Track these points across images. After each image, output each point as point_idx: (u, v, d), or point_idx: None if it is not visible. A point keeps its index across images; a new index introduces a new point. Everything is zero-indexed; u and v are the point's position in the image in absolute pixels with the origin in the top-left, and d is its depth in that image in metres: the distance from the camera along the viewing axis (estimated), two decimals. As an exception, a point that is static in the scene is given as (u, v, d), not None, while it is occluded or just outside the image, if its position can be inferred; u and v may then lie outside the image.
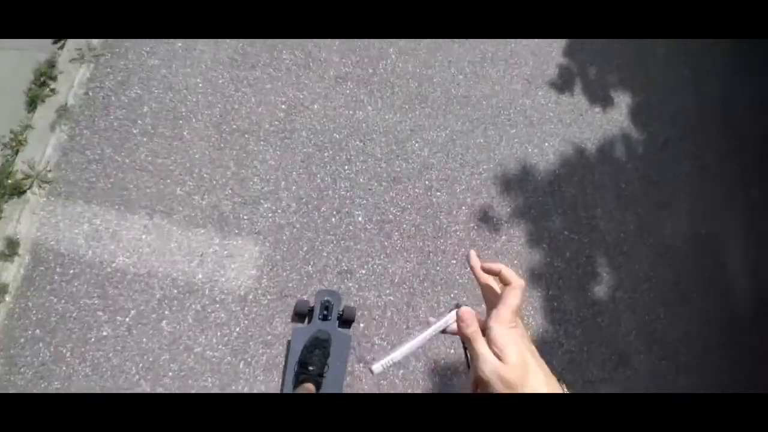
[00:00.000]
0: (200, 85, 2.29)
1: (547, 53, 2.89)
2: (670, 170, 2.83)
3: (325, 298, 1.92)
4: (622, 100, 2.92)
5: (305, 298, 2.03)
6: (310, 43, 2.52)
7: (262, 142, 2.26)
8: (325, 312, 1.89)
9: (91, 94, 2.20)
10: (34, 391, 1.78)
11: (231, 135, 2.24)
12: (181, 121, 2.21)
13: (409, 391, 1.99)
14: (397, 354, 0.53)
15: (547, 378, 0.49)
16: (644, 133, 2.89)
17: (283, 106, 2.35)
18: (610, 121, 2.84)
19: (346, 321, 1.96)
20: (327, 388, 1.76)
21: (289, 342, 1.92)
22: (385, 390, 1.98)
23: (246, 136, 2.25)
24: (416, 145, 2.45)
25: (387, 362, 0.53)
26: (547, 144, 2.66)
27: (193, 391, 1.84)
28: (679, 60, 3.18)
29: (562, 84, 2.84)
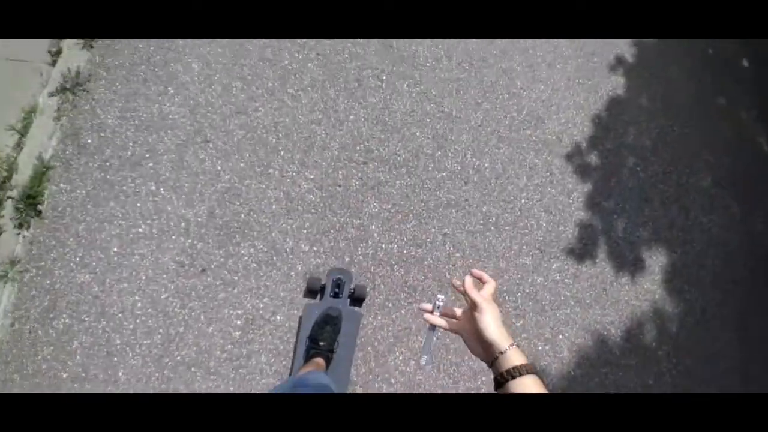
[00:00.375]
0: (139, 304, 1.92)
1: (564, 207, 2.41)
2: (706, 350, 2.37)
3: (337, 276, 1.95)
4: (655, 262, 2.43)
5: (317, 275, 2.01)
6: (275, 230, 2.10)
7: (212, 377, 1.89)
8: (337, 289, 1.92)
9: (17, 326, 1.86)
10: None
11: (174, 370, 1.88)
12: (115, 358, 1.86)
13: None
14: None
15: (499, 330, 0.78)
16: (680, 304, 2.41)
17: (238, 322, 1.97)
18: (640, 294, 2.37)
19: (357, 299, 1.99)
20: (337, 363, 1.79)
21: (300, 318, 1.93)
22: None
23: (193, 369, 1.89)
24: (400, 358, 2.05)
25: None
26: (561, 337, 2.22)
27: None
28: (724, 193, 2.65)
29: (582, 249, 2.36)
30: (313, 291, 1.98)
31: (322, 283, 1.97)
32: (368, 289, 2.05)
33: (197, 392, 1.85)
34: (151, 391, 1.85)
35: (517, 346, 0.76)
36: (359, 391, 1.98)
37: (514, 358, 0.74)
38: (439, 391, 2.03)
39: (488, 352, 0.78)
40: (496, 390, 0.75)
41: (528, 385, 0.71)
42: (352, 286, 1.98)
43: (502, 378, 0.73)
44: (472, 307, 0.82)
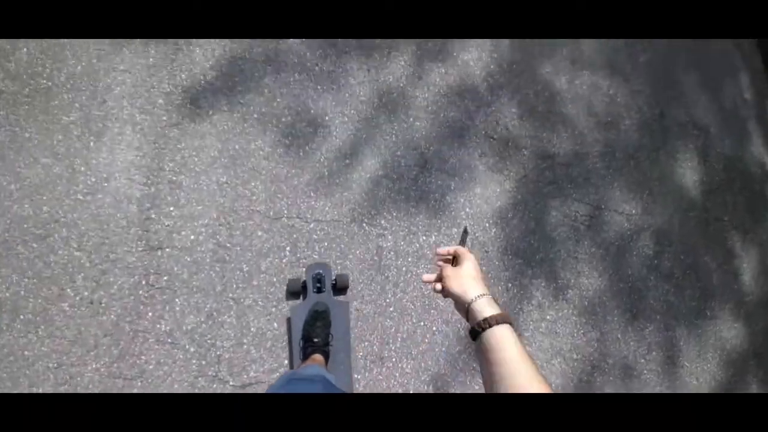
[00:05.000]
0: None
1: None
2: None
3: (316, 271, 1.95)
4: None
5: (295, 276, 1.99)
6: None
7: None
8: (319, 284, 1.92)
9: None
10: None
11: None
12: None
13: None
14: None
15: (474, 281, 0.78)
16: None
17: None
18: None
19: (340, 288, 2.00)
20: (336, 355, 1.81)
21: (288, 320, 1.93)
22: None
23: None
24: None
25: None
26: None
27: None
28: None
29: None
30: (294, 292, 1.97)
31: (303, 280, 1.97)
32: (350, 278, 2.04)
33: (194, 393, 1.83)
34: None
35: (490, 295, 0.74)
36: (363, 377, 1.95)
37: (485, 308, 0.72)
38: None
39: (461, 303, 0.76)
40: (473, 341, 0.72)
41: (500, 335, 0.68)
42: (333, 277, 1.98)
43: (474, 330, 0.71)
44: (453, 261, 0.85)
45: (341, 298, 1.99)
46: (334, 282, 1.97)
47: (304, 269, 1.99)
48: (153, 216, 1.97)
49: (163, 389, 1.82)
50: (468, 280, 0.78)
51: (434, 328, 2.05)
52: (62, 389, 1.75)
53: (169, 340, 1.86)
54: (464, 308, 0.75)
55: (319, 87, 2.23)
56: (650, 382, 2.19)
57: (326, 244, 2.06)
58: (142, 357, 1.83)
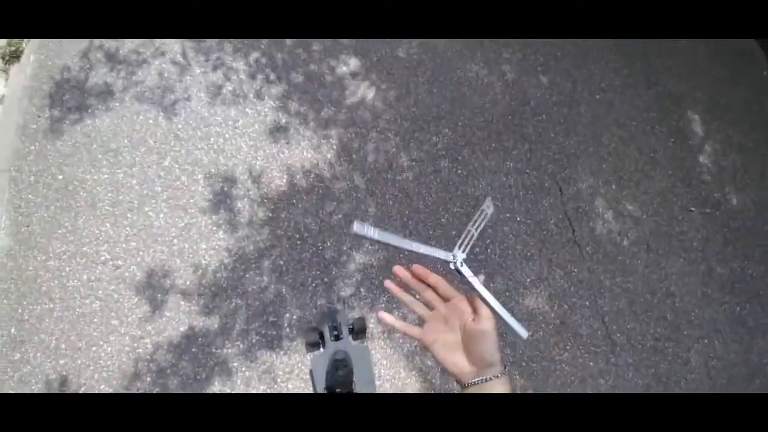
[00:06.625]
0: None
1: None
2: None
3: (331, 320, 1.94)
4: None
5: (312, 325, 1.99)
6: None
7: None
8: (336, 332, 1.88)
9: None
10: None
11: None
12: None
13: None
14: (384, 237, 0.61)
15: (499, 350, 0.62)
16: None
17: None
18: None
19: (358, 332, 1.93)
20: None
21: (311, 372, 1.94)
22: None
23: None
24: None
25: (370, 233, 0.61)
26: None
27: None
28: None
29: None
30: (313, 344, 1.94)
31: (320, 331, 1.95)
32: (365, 320, 1.99)
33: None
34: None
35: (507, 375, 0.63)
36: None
37: (499, 387, 0.61)
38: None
39: (475, 372, 0.63)
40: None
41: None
42: (349, 322, 1.96)
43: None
44: (470, 314, 0.66)
45: (360, 342, 1.96)
46: (351, 327, 1.94)
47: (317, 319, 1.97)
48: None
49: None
50: (493, 349, 0.62)
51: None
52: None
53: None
54: (481, 377, 0.61)
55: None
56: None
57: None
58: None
